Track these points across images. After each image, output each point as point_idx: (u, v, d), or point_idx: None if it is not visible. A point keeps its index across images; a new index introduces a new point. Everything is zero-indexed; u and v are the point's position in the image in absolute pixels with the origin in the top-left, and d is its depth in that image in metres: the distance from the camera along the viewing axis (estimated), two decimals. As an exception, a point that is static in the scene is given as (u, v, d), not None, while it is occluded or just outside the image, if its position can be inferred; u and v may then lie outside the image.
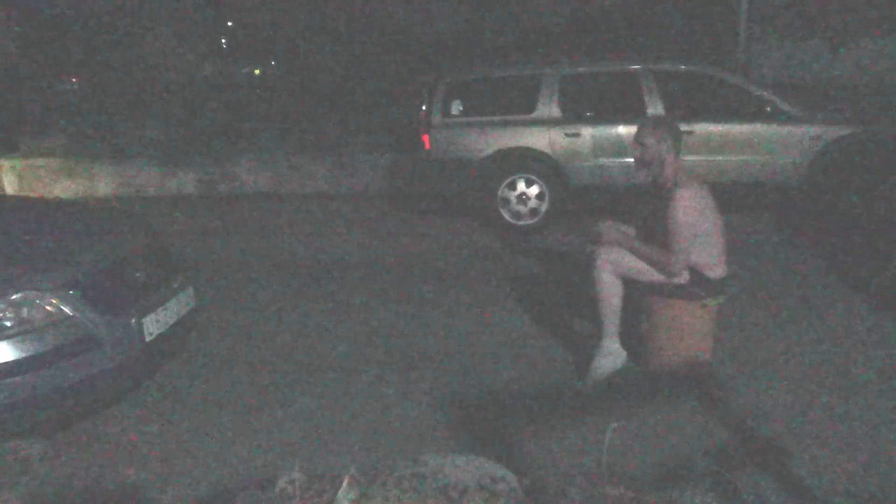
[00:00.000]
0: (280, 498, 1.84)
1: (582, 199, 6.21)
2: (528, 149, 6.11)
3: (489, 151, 6.14)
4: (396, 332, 3.96)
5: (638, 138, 3.14)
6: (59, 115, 10.66)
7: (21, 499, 2.43)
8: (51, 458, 2.71)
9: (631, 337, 3.28)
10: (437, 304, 4.37)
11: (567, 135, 6.07)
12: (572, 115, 6.13)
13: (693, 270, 3.10)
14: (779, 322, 3.83)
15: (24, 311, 2.60)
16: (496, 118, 6.24)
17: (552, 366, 3.43)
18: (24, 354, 2.55)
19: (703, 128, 5.91)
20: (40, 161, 8.97)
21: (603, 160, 6.06)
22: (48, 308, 2.64)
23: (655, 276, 3.11)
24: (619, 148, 5.96)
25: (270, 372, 3.50)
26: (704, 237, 3.06)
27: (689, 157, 5.42)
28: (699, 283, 3.11)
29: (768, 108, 5.92)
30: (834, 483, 2.36)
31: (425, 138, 6.26)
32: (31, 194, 8.62)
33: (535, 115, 6.15)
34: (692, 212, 3.00)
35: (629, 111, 5.97)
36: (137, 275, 3.05)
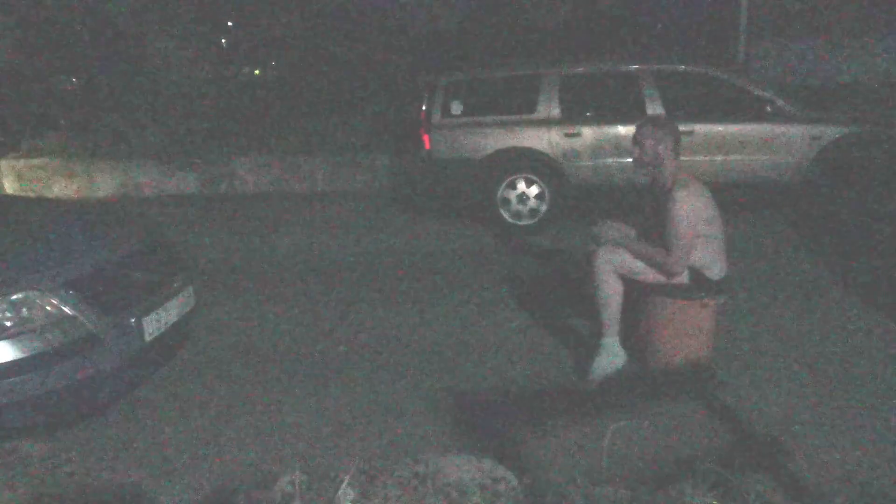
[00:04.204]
0: (280, 498, 1.84)
1: (582, 199, 6.21)
2: (528, 149, 6.11)
3: (489, 151, 6.14)
4: (396, 332, 3.96)
5: (637, 139, 3.15)
6: (59, 115, 10.65)
7: (21, 499, 2.42)
8: (51, 458, 2.71)
9: (631, 337, 3.28)
10: (437, 304, 4.37)
11: (567, 135, 6.07)
12: (572, 115, 6.13)
13: (693, 270, 3.10)
14: (779, 322, 3.83)
15: (24, 311, 2.60)
16: (496, 118, 6.24)
17: (552, 366, 3.43)
18: (24, 354, 2.55)
19: (703, 128, 5.91)
20: (40, 161, 8.97)
21: (603, 160, 6.06)
22: (48, 308, 2.64)
23: (655, 276, 3.11)
24: (619, 148, 5.96)
25: (270, 372, 3.50)
26: (704, 237, 3.07)
27: (689, 157, 5.42)
28: (699, 283, 3.11)
29: (768, 108, 5.91)
30: (834, 483, 2.36)
31: (425, 138, 6.25)
32: (31, 194, 8.62)
33: (535, 115, 6.15)
34: (692, 212, 3.00)
35: (629, 111, 5.97)
36: (137, 275, 3.05)
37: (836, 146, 5.83)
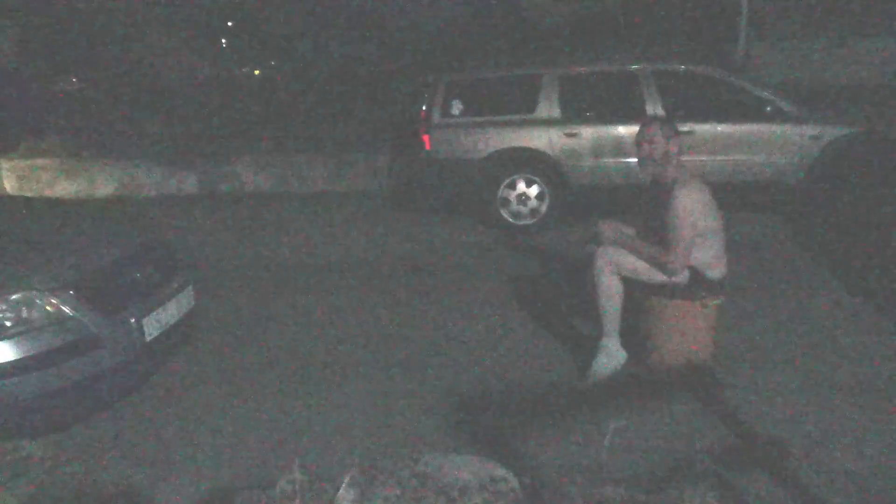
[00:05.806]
0: (280, 498, 1.84)
1: (582, 199, 6.21)
2: (528, 149, 6.11)
3: (489, 151, 6.14)
4: (396, 332, 3.96)
5: (646, 135, 3.13)
6: (59, 115, 10.65)
7: (21, 499, 2.43)
8: (51, 458, 2.71)
9: (631, 337, 3.28)
10: (436, 304, 4.37)
11: (567, 135, 6.07)
12: (572, 115, 6.12)
13: (693, 270, 3.10)
14: (779, 322, 3.82)
15: (24, 311, 2.60)
16: (496, 118, 6.24)
17: (552, 366, 3.43)
18: (24, 354, 2.55)
19: (703, 128, 5.90)
20: (40, 161, 8.97)
21: (603, 160, 6.06)
22: (48, 308, 2.64)
23: (655, 276, 3.11)
24: (619, 148, 5.96)
25: (270, 372, 3.50)
26: (704, 236, 3.07)
27: (689, 157, 5.41)
28: (699, 283, 3.11)
29: (768, 108, 5.91)
30: (834, 483, 2.36)
31: (425, 138, 6.25)
32: (31, 194, 8.61)
33: (535, 115, 6.15)
34: (693, 210, 3.00)
35: (629, 111, 5.97)
36: (137, 275, 3.06)
37: (837, 146, 5.83)
